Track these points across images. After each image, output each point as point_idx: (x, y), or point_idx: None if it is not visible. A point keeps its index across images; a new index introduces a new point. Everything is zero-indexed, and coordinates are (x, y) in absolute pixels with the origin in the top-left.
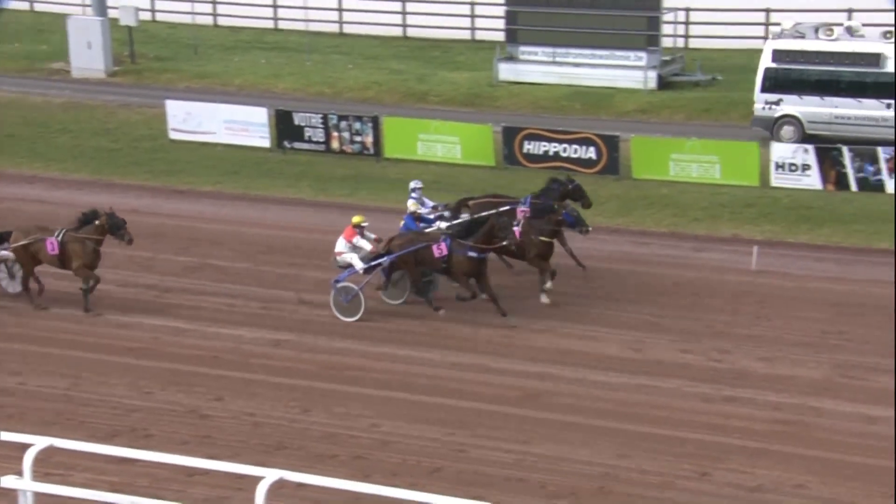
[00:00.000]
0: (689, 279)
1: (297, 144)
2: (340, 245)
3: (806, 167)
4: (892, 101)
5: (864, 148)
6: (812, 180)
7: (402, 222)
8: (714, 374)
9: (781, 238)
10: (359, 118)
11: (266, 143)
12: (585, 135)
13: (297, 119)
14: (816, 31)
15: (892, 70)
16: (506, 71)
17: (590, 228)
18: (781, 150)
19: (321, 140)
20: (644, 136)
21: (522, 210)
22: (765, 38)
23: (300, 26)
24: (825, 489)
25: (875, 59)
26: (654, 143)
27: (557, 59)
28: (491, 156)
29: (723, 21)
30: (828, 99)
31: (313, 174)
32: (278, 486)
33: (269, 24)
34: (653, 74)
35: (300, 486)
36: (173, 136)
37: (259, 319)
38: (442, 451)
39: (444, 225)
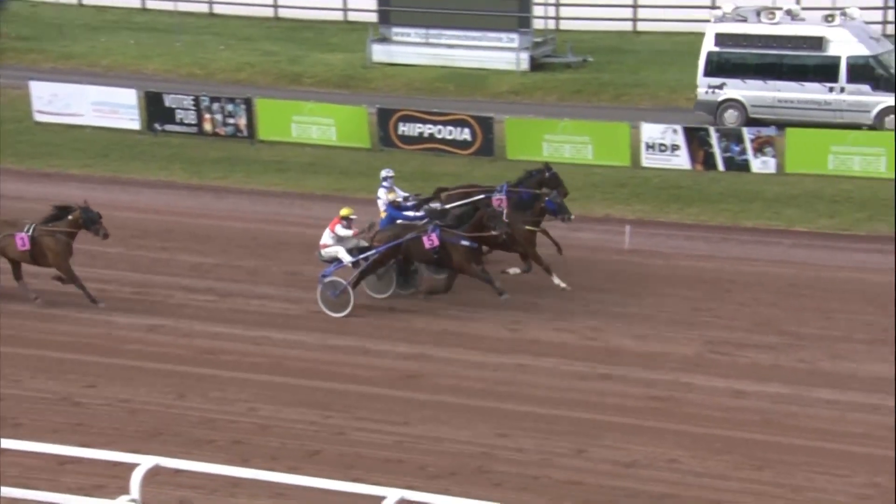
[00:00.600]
0: (563, 258)
1: (169, 127)
2: (326, 237)
3: (675, 147)
4: (835, 85)
5: (730, 128)
6: (681, 160)
7: (383, 214)
8: (589, 352)
9: (652, 217)
10: (231, 100)
11: (136, 126)
12: (460, 116)
13: (168, 101)
14: (758, 14)
15: (835, 53)
16: (379, 52)
17: (572, 216)
18: (651, 131)
19: (193, 122)
20: (517, 117)
21: (498, 199)
22: (634, 20)
23: (169, 6)
24: (696, 463)
25: (817, 42)
26: (527, 124)
27: (430, 41)
28: (366, 138)
29: (592, 3)
30: (771, 83)
31: (186, 157)
32: (154, 473)
33: (137, 4)
34: (525, 56)
35: (177, 472)
36: (38, 118)
37: (132, 304)
38: (321, 434)
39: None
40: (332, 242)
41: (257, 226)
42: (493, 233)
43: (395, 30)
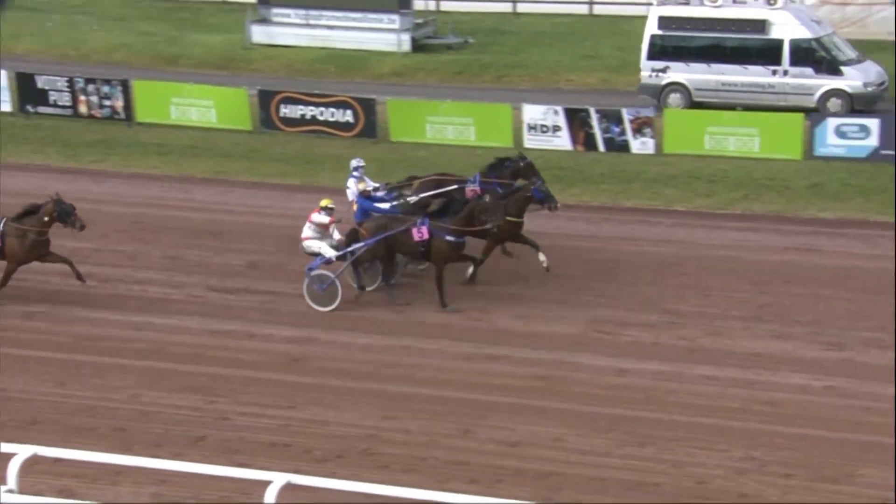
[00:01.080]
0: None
1: (42, 108)
2: (307, 230)
3: (556, 128)
4: (779, 68)
5: (610, 109)
6: (562, 141)
7: (355, 206)
8: (475, 333)
9: None
10: (107, 82)
11: (7, 108)
12: (342, 98)
13: (41, 82)
14: None
15: (777, 36)
16: (259, 33)
17: (559, 205)
18: (533, 112)
19: (67, 104)
20: (400, 98)
21: (472, 189)
22: (513, 1)
23: None
24: (581, 441)
25: (760, 25)
26: (409, 105)
27: (311, 22)
28: (247, 119)
29: None
30: (714, 66)
31: (61, 139)
32: (33, 462)
33: None
34: (406, 37)
35: (57, 461)
36: None
37: (6, 291)
38: (205, 420)
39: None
40: (313, 235)
41: (137, 210)
42: (487, 226)
43: (275, 10)
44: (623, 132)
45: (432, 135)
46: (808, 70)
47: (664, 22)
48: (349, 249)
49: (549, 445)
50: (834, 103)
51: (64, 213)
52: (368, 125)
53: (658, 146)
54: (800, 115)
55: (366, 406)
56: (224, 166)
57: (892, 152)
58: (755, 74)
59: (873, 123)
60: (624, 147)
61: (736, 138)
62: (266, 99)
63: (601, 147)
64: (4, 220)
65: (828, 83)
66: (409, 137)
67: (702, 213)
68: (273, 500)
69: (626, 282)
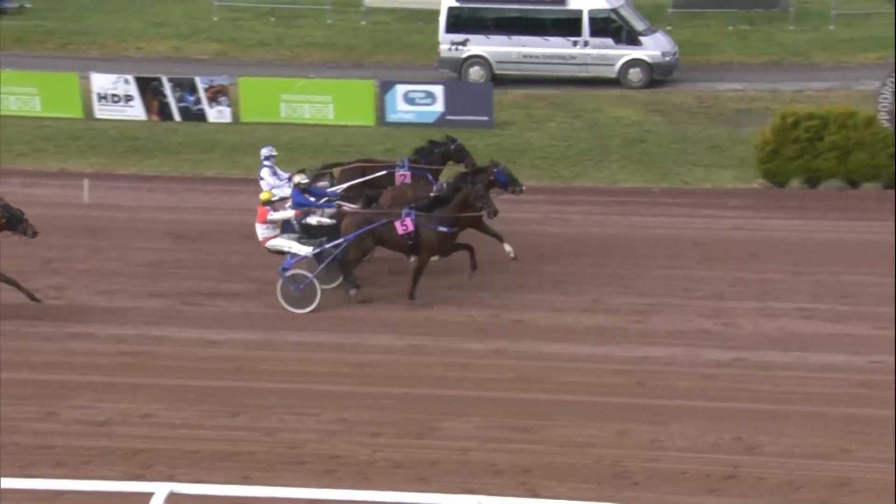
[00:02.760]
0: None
1: None
2: (262, 231)
3: (129, 98)
4: (579, 39)
5: (184, 78)
6: (136, 111)
7: (266, 195)
8: (55, 312)
9: (111, 170)
10: None
11: None
12: None
13: None
14: None
15: (576, 7)
16: None
17: (523, 188)
18: (102, 81)
19: None
20: None
21: (402, 175)
22: None
23: None
24: (172, 415)
25: None
26: None
27: None
28: None
29: None
30: (515, 38)
31: None
32: None
33: None
34: None
35: None
36: None
37: None
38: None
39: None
40: (273, 233)
41: None
42: (482, 213)
43: None
44: (198, 101)
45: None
46: (608, 41)
47: None
48: (329, 245)
49: (139, 422)
50: (634, 73)
51: (14, 220)
52: None
53: (235, 114)
54: (370, 83)
55: None
56: None
57: (457, 117)
58: (556, 46)
59: (438, 90)
60: (200, 116)
61: (311, 105)
62: None
63: (177, 116)
64: None
65: (628, 53)
66: None
67: None
68: None
69: (212, 251)
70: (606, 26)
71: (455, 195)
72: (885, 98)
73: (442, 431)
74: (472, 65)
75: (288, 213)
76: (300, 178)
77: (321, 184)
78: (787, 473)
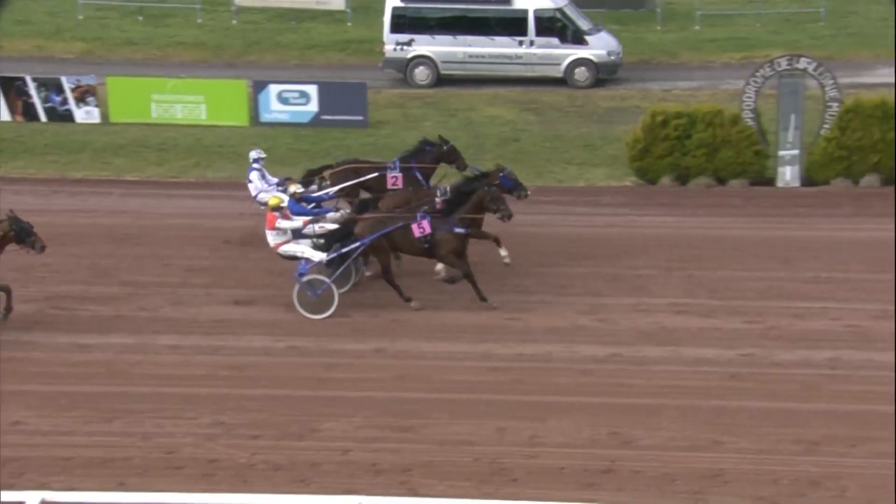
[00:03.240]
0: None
1: None
2: (272, 237)
3: None
4: (524, 38)
5: (49, 77)
6: (0, 111)
7: (261, 196)
8: None
9: None
10: None
11: None
12: None
13: None
14: None
15: (521, 7)
16: None
17: (528, 192)
18: None
19: None
20: None
21: (393, 177)
22: None
23: None
24: (43, 422)
25: None
26: None
27: None
28: None
29: None
30: (461, 38)
31: None
32: None
33: None
34: None
35: None
36: None
37: None
38: None
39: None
40: (283, 238)
41: None
42: (497, 216)
43: None
44: (65, 101)
45: None
46: (554, 40)
47: None
48: (345, 250)
49: (9, 430)
50: (581, 72)
51: (22, 232)
52: None
53: (104, 115)
54: (243, 83)
55: None
56: None
57: (332, 117)
58: (502, 45)
59: (312, 90)
60: (68, 116)
61: (183, 105)
62: None
63: (42, 117)
64: None
65: (574, 53)
66: None
67: (154, 181)
68: None
69: (81, 255)
70: (552, 26)
71: (470, 197)
72: (749, 97)
73: (322, 432)
74: (417, 65)
75: (297, 222)
76: (295, 188)
77: (310, 188)
78: (663, 466)
